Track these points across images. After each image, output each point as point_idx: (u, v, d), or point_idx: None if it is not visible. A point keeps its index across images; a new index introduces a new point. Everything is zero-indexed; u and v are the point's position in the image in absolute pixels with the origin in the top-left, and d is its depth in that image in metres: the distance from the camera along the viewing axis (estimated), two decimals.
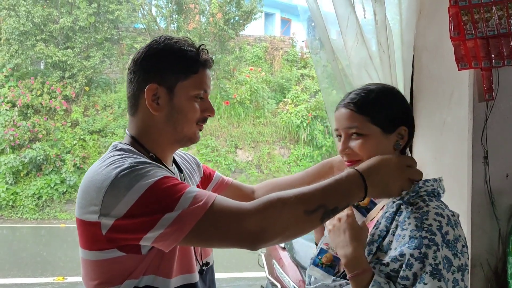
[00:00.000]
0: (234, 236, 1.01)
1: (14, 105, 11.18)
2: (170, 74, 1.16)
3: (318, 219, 1.02)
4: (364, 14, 2.10)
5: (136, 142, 1.19)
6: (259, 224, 0.99)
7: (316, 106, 12.26)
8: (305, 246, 3.93)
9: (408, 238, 1.10)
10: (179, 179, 1.21)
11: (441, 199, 1.23)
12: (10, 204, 10.30)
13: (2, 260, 6.70)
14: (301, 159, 12.13)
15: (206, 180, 1.51)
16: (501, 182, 1.93)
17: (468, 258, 1.12)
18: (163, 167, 1.17)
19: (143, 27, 13.29)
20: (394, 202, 1.21)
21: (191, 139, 1.23)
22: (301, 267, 3.81)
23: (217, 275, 1.39)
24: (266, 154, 12.16)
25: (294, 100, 12.83)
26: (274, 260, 4.25)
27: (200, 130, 1.25)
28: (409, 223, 1.12)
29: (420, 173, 1.14)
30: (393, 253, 1.12)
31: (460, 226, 1.14)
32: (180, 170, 1.33)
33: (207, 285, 1.28)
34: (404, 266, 1.08)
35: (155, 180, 1.02)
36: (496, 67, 1.89)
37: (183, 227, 0.99)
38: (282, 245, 4.19)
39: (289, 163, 12.18)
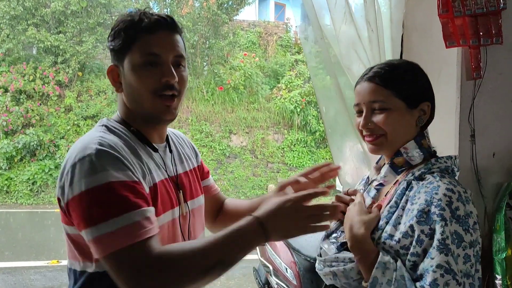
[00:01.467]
0: (138, 281, 0.95)
1: (6, 91, 11.03)
2: (118, 50, 1.16)
3: (216, 274, 1.00)
4: None
5: (122, 119, 1.21)
6: (158, 283, 0.95)
7: (310, 91, 12.21)
8: None
9: (416, 212, 1.09)
10: (166, 160, 1.23)
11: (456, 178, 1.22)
12: (4, 189, 10.25)
13: None
14: (295, 144, 12.12)
15: (201, 173, 1.46)
16: (487, 161, 1.95)
17: (480, 235, 1.10)
18: (142, 147, 1.17)
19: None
20: (405, 179, 1.21)
21: (157, 115, 1.17)
22: (292, 249, 3.82)
23: None
24: (260, 139, 12.12)
25: (288, 86, 12.78)
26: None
27: (169, 104, 1.16)
28: (419, 198, 1.12)
29: (326, 226, 1.08)
30: (403, 228, 1.11)
31: (473, 204, 1.12)
32: (170, 150, 1.30)
33: None
34: (414, 242, 1.08)
35: (108, 182, 0.99)
36: (484, 45, 1.90)
37: (109, 245, 0.96)
38: None
39: (283, 148, 12.16)
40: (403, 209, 1.15)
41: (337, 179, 2.15)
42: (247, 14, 14.35)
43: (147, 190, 1.09)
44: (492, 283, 1.95)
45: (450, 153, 1.26)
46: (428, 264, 1.04)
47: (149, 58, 1.12)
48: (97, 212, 0.97)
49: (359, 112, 1.26)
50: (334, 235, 1.31)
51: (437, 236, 1.05)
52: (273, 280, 3.82)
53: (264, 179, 11.47)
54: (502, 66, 1.94)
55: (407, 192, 1.17)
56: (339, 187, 2.48)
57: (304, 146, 12.09)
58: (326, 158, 11.84)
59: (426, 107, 1.24)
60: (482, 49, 1.90)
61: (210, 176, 1.53)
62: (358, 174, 2.15)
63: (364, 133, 1.26)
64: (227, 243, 1.00)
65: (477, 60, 1.88)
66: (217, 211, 1.54)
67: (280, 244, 4.05)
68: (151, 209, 1.05)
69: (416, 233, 1.08)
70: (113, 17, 12.78)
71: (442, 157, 1.22)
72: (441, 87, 2.00)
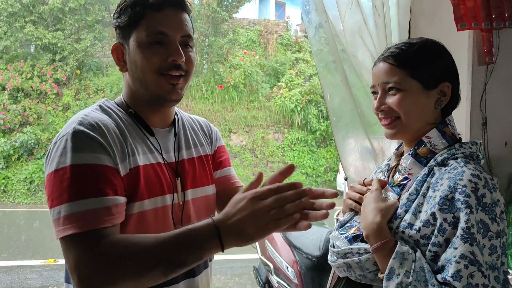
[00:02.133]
0: (79, 272, 0.91)
1: (4, 89, 11.00)
2: (123, 27, 1.10)
3: (161, 275, 0.92)
4: None
5: (123, 99, 1.17)
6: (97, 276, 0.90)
7: (310, 90, 12.16)
8: None
9: (439, 199, 1.02)
10: (167, 145, 1.18)
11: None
12: (1, 188, 10.19)
13: None
14: (295, 143, 12.07)
15: (213, 162, 1.36)
16: (500, 150, 1.87)
17: (507, 226, 1.03)
18: (135, 129, 1.13)
19: None
20: (427, 166, 1.13)
21: (161, 95, 1.12)
22: (293, 247, 3.77)
23: None
24: (260, 138, 12.08)
25: (289, 84, 12.74)
26: (266, 240, 4.20)
27: (174, 83, 1.11)
28: (442, 184, 1.04)
29: (291, 218, 0.90)
30: (424, 216, 1.04)
31: (499, 192, 1.05)
32: (175, 134, 1.24)
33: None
34: (436, 231, 1.00)
35: (78, 164, 0.96)
36: (497, 29, 1.82)
37: (69, 226, 0.93)
38: None
39: (283, 147, 12.10)
40: (424, 197, 1.07)
41: (338, 174, 2.08)
42: (247, 12, 14.31)
43: (122, 173, 1.04)
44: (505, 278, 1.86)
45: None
46: (451, 255, 0.96)
47: (156, 37, 1.08)
48: (56, 194, 0.96)
49: (375, 93, 1.20)
50: (347, 224, 1.24)
51: (461, 224, 0.97)
52: (274, 279, 3.77)
53: (264, 178, 11.37)
54: None
55: (428, 178, 1.09)
56: (339, 186, 2.40)
57: (305, 145, 12.03)
58: (327, 158, 11.79)
59: (446, 88, 1.15)
60: (495, 33, 1.82)
61: (230, 167, 1.41)
62: (363, 165, 2.07)
63: (380, 116, 1.19)
64: (177, 243, 0.91)
65: (490, 44, 1.80)
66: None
67: (281, 242, 4.00)
68: (116, 198, 1.00)
69: (439, 221, 1.00)
70: (111, 15, 12.73)
71: (467, 143, 1.14)
72: None
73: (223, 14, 12.54)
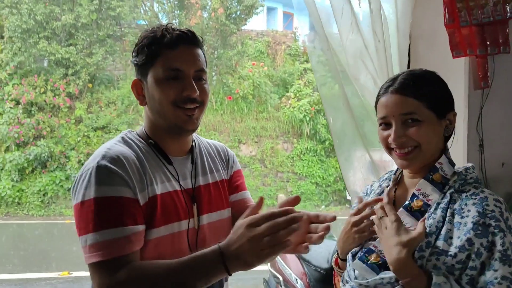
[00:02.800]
0: None
1: (18, 103, 11.22)
2: (141, 65, 1.20)
3: None
4: (360, 4, 2.10)
5: (144, 131, 1.26)
6: None
7: (319, 100, 12.21)
8: None
9: (471, 225, 1.07)
10: (184, 172, 1.26)
11: None
12: (16, 201, 10.37)
13: (9, 255, 6.78)
14: (304, 153, 12.11)
15: (229, 187, 1.42)
16: (497, 170, 1.93)
17: None
18: (155, 159, 1.21)
19: (145, 23, 13.26)
20: (444, 191, 1.18)
21: (178, 125, 1.20)
22: (302, 260, 3.82)
23: None
24: (270, 148, 12.16)
25: (297, 95, 12.80)
26: None
27: (190, 114, 1.20)
28: (469, 210, 1.10)
29: (284, 244, 0.96)
30: (458, 242, 1.08)
31: None
32: (192, 162, 1.32)
33: None
34: (473, 255, 1.05)
35: (102, 197, 1.06)
36: (492, 54, 1.89)
37: (94, 254, 1.04)
38: None
39: (293, 157, 12.16)
40: (451, 223, 1.12)
41: (346, 191, 2.15)
42: (256, 23, 14.42)
43: (141, 202, 1.13)
44: None
45: (459, 163, 1.25)
46: (492, 276, 1.03)
47: (171, 73, 1.16)
48: (83, 224, 1.06)
49: (386, 125, 1.23)
50: (359, 255, 1.26)
51: (498, 248, 1.04)
52: None
53: (274, 188, 11.45)
54: (510, 75, 1.93)
55: (450, 205, 1.15)
56: (349, 196, 2.46)
57: (314, 155, 12.07)
58: (336, 167, 11.80)
59: (452, 116, 1.22)
60: (490, 58, 1.90)
61: (246, 191, 1.46)
62: (366, 184, 2.14)
63: (393, 146, 1.21)
64: (187, 270, 1.01)
65: (485, 69, 1.87)
66: None
67: (290, 255, 4.04)
68: (135, 227, 1.09)
69: (476, 246, 1.05)
70: (122, 29, 12.97)
71: (469, 168, 1.21)
72: None
73: (232, 27, 12.67)
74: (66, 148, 11.08)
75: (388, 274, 1.15)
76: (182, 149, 1.30)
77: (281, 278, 3.93)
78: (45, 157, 10.73)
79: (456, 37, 1.86)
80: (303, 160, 12.07)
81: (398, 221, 1.16)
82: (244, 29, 13.83)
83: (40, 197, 10.48)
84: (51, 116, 11.47)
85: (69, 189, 10.69)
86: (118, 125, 11.70)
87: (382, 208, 1.22)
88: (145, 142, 1.23)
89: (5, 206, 10.26)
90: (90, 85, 12.16)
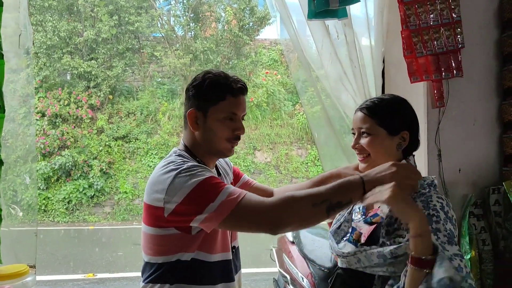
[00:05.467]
0: (257, 224, 1.27)
1: (43, 115, 11.67)
2: (204, 101, 1.47)
3: (323, 211, 1.24)
4: (338, 36, 2.45)
5: (188, 149, 1.52)
6: (275, 215, 1.24)
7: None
8: (312, 240, 4.20)
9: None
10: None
11: None
12: (42, 208, 10.74)
13: (38, 259, 7.09)
14: (318, 159, 12.21)
15: (235, 179, 1.79)
16: (454, 175, 2.26)
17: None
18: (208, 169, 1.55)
19: (162, 36, 13.59)
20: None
21: (223, 153, 1.51)
22: (307, 259, 4.04)
23: None
24: (284, 155, 12.33)
25: (311, 102, 12.92)
26: (284, 254, 4.49)
27: (233, 146, 1.50)
28: (417, 204, 1.34)
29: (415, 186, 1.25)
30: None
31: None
32: (219, 173, 1.62)
33: (236, 262, 1.58)
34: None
35: (203, 178, 1.31)
36: (446, 79, 2.20)
37: (221, 214, 1.27)
38: (291, 239, 4.44)
39: (307, 163, 12.32)
40: None
41: None
42: (269, 32, 14.67)
43: None
44: None
45: (421, 170, 1.53)
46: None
47: (230, 115, 1.46)
48: (205, 198, 1.29)
49: (354, 135, 1.53)
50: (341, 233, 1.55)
51: (443, 232, 1.27)
52: None
53: None
54: (463, 95, 2.25)
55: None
56: None
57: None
58: None
59: (405, 135, 1.47)
60: (445, 82, 2.22)
61: (244, 174, 1.85)
62: None
63: (356, 152, 1.53)
64: (331, 188, 1.25)
65: (440, 92, 2.20)
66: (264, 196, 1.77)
67: (297, 256, 4.26)
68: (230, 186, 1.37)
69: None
70: (140, 42, 13.36)
71: (428, 176, 1.48)
72: None
73: (245, 38, 12.89)
74: (88, 157, 11.44)
75: (367, 249, 1.36)
76: (214, 164, 1.62)
77: (289, 277, 4.14)
78: (69, 166, 11.08)
79: (413, 65, 2.18)
80: (317, 165, 12.21)
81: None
82: (258, 38, 13.96)
83: (65, 204, 10.83)
84: (75, 127, 11.88)
85: (91, 197, 11.09)
86: (138, 135, 12.05)
87: None
88: (193, 159, 1.48)
89: (32, 213, 10.62)
90: (110, 96, 12.53)
